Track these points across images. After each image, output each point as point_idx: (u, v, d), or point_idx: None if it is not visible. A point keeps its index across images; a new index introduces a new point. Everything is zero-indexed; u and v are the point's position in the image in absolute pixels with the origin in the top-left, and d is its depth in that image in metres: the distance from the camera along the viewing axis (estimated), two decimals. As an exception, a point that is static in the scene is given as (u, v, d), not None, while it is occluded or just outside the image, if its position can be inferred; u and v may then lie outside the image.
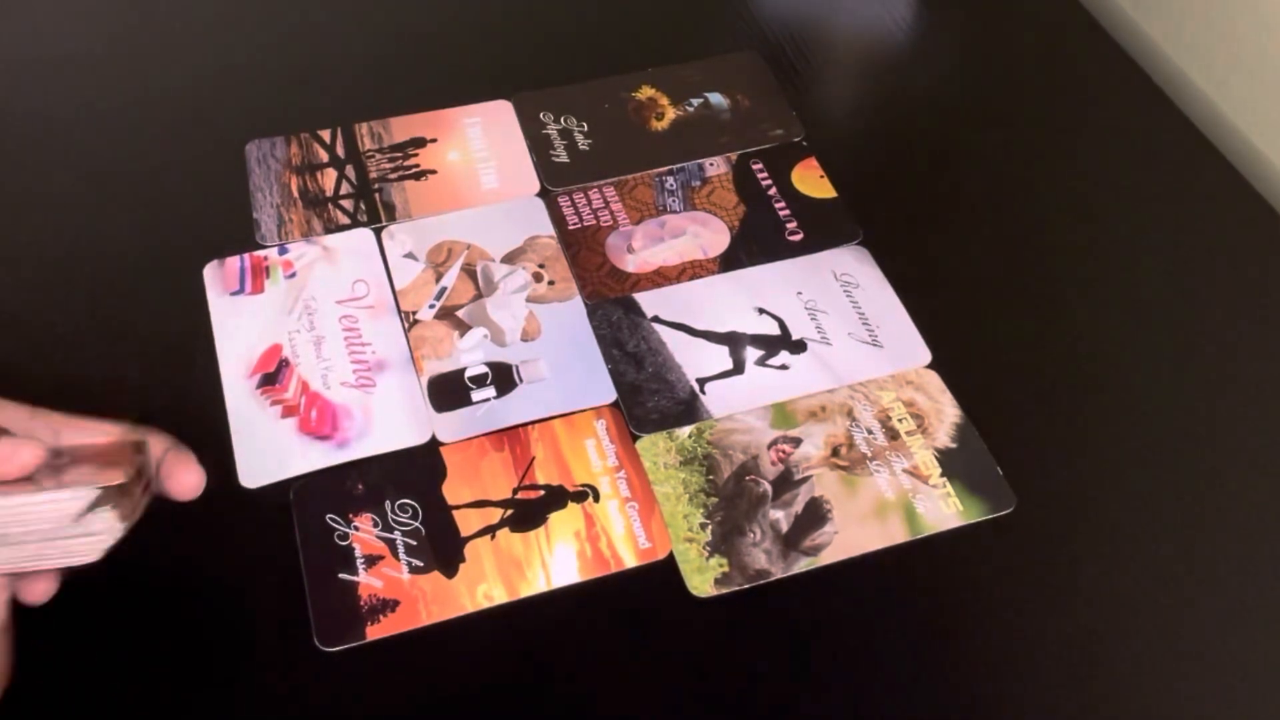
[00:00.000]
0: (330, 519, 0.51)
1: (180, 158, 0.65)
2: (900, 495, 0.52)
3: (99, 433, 0.43)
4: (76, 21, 0.73)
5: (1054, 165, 0.68)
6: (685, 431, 0.54)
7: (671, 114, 0.69)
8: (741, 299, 0.60)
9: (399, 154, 0.66)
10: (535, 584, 0.49)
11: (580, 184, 0.65)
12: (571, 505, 0.52)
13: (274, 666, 0.47)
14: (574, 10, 0.76)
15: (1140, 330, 0.60)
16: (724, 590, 0.49)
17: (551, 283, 0.60)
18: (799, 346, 0.58)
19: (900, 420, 0.55)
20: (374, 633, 0.47)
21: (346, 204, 0.63)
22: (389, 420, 0.54)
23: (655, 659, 0.48)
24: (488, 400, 0.55)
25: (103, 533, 0.40)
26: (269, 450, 0.53)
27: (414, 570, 0.49)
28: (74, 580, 0.41)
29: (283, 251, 0.61)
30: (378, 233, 0.62)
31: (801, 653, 0.48)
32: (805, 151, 0.67)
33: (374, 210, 0.63)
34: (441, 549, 0.50)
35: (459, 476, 0.52)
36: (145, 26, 0.73)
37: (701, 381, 0.56)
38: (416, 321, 0.58)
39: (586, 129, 0.68)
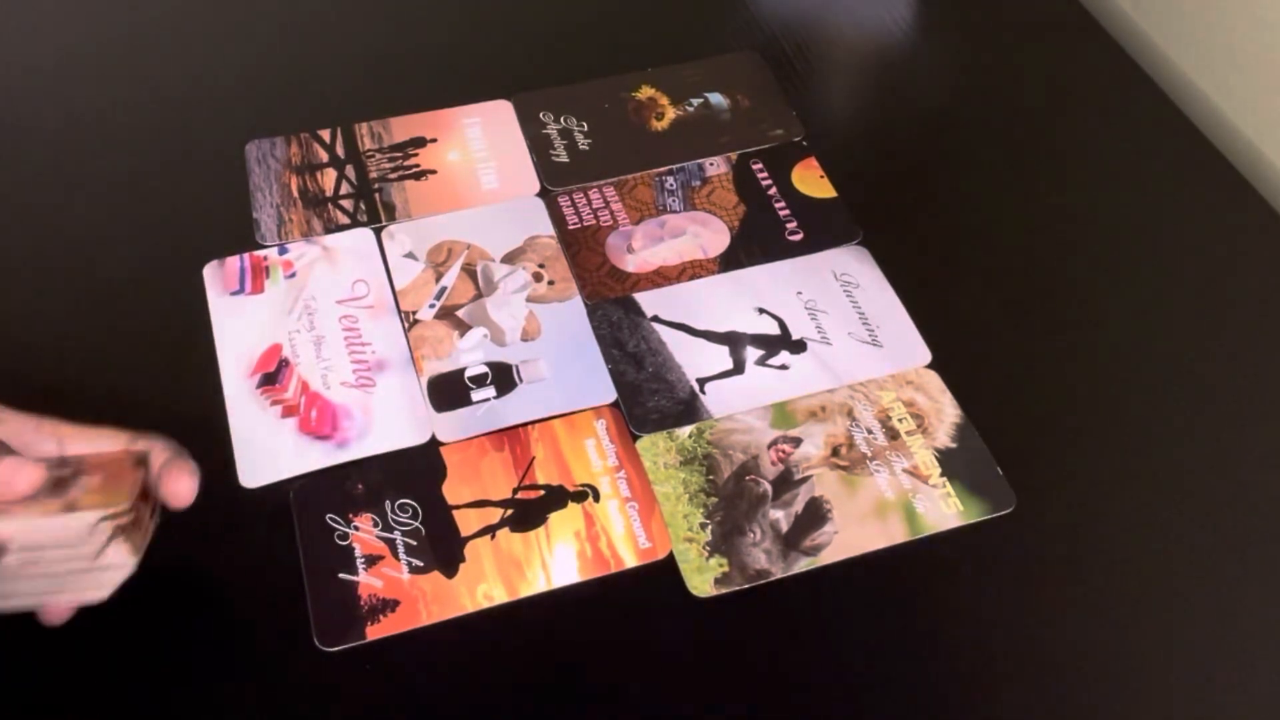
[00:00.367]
0: (330, 519, 0.51)
1: (180, 158, 0.65)
2: (900, 495, 0.52)
3: (104, 441, 0.43)
4: (76, 22, 0.73)
5: (1054, 165, 0.68)
6: (685, 431, 0.54)
7: (671, 114, 0.69)
8: (741, 299, 0.60)
9: (399, 154, 0.66)
10: (535, 584, 0.49)
11: (580, 184, 0.65)
12: (571, 505, 0.52)
13: (274, 666, 0.47)
14: (574, 10, 0.76)
15: (1140, 330, 0.60)
16: (724, 590, 0.49)
17: (551, 283, 0.60)
18: (799, 346, 0.58)
19: (900, 420, 0.55)
20: (374, 633, 0.47)
21: (346, 204, 0.63)
22: (389, 420, 0.54)
23: (655, 659, 0.48)
24: (488, 400, 0.55)
25: (117, 567, 0.41)
26: (269, 450, 0.53)
27: (414, 570, 0.49)
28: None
29: (283, 251, 0.61)
30: (378, 233, 0.62)
31: (801, 653, 0.48)
32: (805, 151, 0.67)
33: (374, 210, 0.63)
34: (441, 549, 0.50)
35: (459, 476, 0.52)
36: (145, 27, 0.73)
37: (701, 381, 0.56)
38: (416, 321, 0.58)
39: (586, 129, 0.68)
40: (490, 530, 0.51)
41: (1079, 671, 0.48)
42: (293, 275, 0.60)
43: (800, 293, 0.60)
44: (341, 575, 0.49)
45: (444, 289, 0.59)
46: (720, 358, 0.57)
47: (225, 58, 0.71)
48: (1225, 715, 0.47)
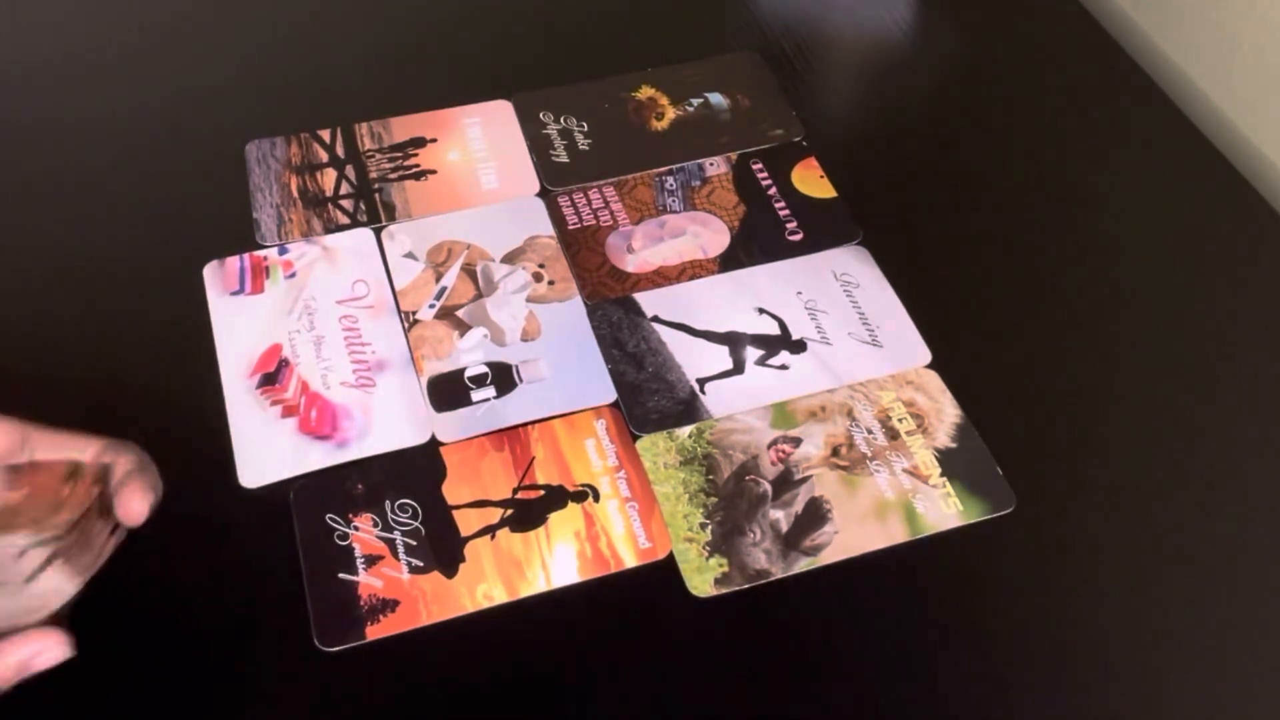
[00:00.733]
0: (330, 519, 0.51)
1: (180, 158, 0.65)
2: (900, 495, 0.52)
3: (72, 448, 0.42)
4: (77, 22, 0.73)
5: (1053, 165, 0.68)
6: (685, 431, 0.54)
7: (671, 114, 0.69)
8: (741, 299, 0.60)
9: (399, 154, 0.66)
10: (535, 584, 0.49)
11: (580, 184, 0.65)
12: (571, 505, 0.52)
13: (274, 666, 0.47)
14: (574, 10, 0.76)
15: (1140, 329, 0.60)
16: (724, 590, 0.49)
17: (551, 283, 0.60)
18: (799, 346, 0.58)
19: (900, 420, 0.55)
20: (374, 633, 0.47)
21: (346, 204, 0.63)
22: (389, 420, 0.54)
23: (655, 659, 0.48)
24: (488, 400, 0.55)
25: (54, 593, 0.38)
26: (269, 450, 0.53)
27: (414, 570, 0.49)
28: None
29: (283, 251, 0.61)
30: (378, 233, 0.62)
31: (801, 653, 0.48)
32: (805, 151, 0.67)
33: (374, 210, 0.63)
34: (441, 549, 0.50)
35: (459, 476, 0.52)
36: (145, 27, 0.73)
37: (701, 381, 0.56)
38: (416, 321, 0.58)
39: (586, 129, 0.68)
40: (490, 530, 0.51)
41: (1079, 671, 0.48)
42: (293, 275, 0.60)
43: (800, 293, 0.60)
44: (341, 575, 0.49)
45: (444, 289, 0.59)
46: (720, 358, 0.57)
47: (225, 58, 0.71)
48: (1226, 714, 0.47)
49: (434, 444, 0.53)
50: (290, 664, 0.47)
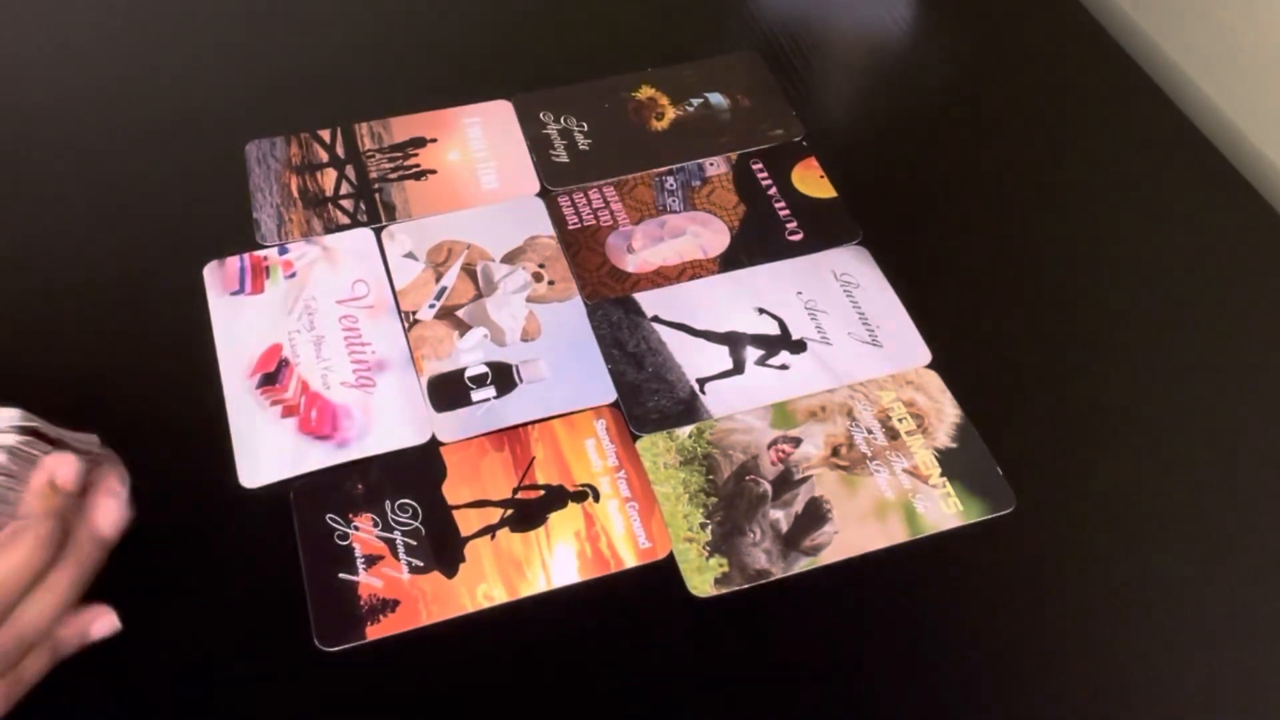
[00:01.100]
0: (330, 519, 0.51)
1: (180, 158, 0.65)
2: (900, 495, 0.52)
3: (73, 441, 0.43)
4: (76, 21, 0.73)
5: (1053, 165, 0.68)
6: (685, 431, 0.54)
7: (671, 114, 0.69)
8: (741, 299, 0.60)
9: (399, 154, 0.66)
10: (535, 584, 0.49)
11: (580, 184, 0.65)
12: (571, 505, 0.52)
13: (274, 666, 0.47)
14: (574, 10, 0.76)
15: (1140, 329, 0.60)
16: (724, 590, 0.49)
17: (551, 283, 0.60)
18: (799, 346, 0.58)
19: (900, 420, 0.55)
20: (374, 633, 0.47)
21: (346, 204, 0.63)
22: (389, 420, 0.54)
23: (655, 659, 0.48)
24: (488, 400, 0.55)
25: None
26: (269, 450, 0.53)
27: (414, 570, 0.49)
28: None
29: (283, 251, 0.61)
30: (378, 233, 0.62)
31: (801, 653, 0.48)
32: (805, 151, 0.67)
33: (374, 210, 0.63)
34: (441, 549, 0.50)
35: (459, 476, 0.52)
36: (145, 26, 0.73)
37: (701, 381, 0.56)
38: (416, 321, 0.58)
39: (586, 129, 0.68)
40: (490, 530, 0.51)
41: (1079, 671, 0.48)
42: (293, 275, 0.60)
43: (800, 293, 0.60)
44: (341, 575, 0.49)
45: (444, 289, 0.59)
46: (720, 358, 0.57)
47: (225, 58, 0.71)
48: (1226, 712, 0.47)
49: (434, 444, 0.53)
50: (290, 664, 0.47)
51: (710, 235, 0.63)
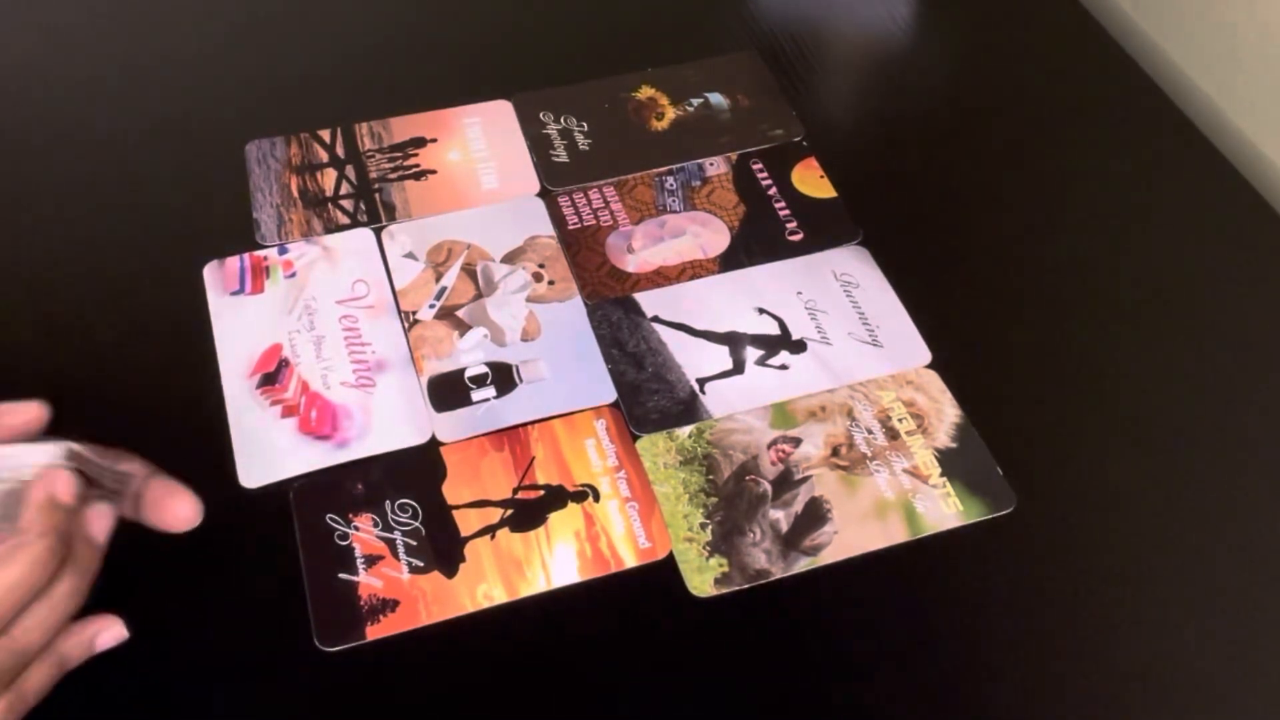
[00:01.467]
0: (330, 519, 0.51)
1: (180, 157, 0.65)
2: (900, 495, 0.52)
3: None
4: (77, 21, 0.73)
5: (1053, 165, 0.68)
6: (685, 431, 0.54)
7: (671, 114, 0.69)
8: (741, 299, 0.60)
9: (399, 154, 0.66)
10: (535, 584, 0.49)
11: (580, 184, 0.65)
12: (571, 505, 0.52)
13: (274, 666, 0.47)
14: (574, 10, 0.76)
15: (1140, 330, 0.60)
16: (724, 590, 0.49)
17: (551, 283, 0.60)
18: (799, 346, 0.58)
19: (900, 420, 0.55)
20: (374, 633, 0.47)
21: (346, 204, 0.63)
22: (389, 420, 0.54)
23: (655, 659, 0.48)
24: (488, 400, 0.55)
25: None
26: (269, 450, 0.53)
27: (414, 570, 0.49)
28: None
29: (283, 251, 0.61)
30: (378, 233, 0.62)
31: (801, 653, 0.48)
32: (805, 151, 0.67)
33: (374, 210, 0.63)
34: (441, 549, 0.50)
35: (459, 476, 0.52)
36: (145, 26, 0.73)
37: (701, 381, 0.56)
38: (416, 321, 0.58)
39: (586, 129, 0.68)
40: (490, 530, 0.51)
41: (1079, 671, 0.48)
42: (293, 275, 0.60)
43: (800, 293, 0.60)
44: (341, 575, 0.49)
45: (444, 289, 0.59)
46: (720, 358, 0.57)
47: (225, 58, 0.71)
48: (1226, 713, 0.47)
49: (434, 444, 0.53)
50: (290, 664, 0.47)
51: (710, 235, 0.63)
